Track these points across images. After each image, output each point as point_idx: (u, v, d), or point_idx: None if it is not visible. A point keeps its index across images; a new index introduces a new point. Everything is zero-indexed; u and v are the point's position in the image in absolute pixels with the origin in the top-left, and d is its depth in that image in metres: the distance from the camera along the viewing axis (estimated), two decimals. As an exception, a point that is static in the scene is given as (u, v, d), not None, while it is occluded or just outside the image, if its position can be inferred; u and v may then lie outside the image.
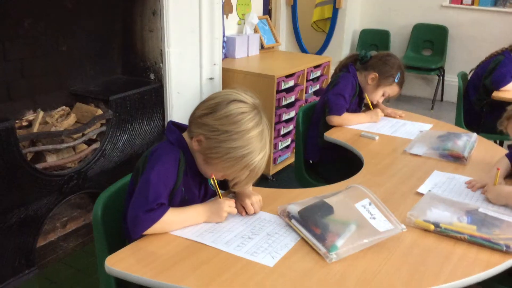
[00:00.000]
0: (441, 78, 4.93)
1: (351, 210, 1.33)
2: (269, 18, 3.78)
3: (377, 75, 2.25)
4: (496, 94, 2.83)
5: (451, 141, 1.96)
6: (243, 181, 1.32)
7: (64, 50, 2.48)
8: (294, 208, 1.37)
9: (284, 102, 3.09)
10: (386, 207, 1.33)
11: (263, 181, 3.15)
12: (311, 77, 3.38)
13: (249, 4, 3.55)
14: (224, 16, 3.33)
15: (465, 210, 1.41)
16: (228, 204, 1.35)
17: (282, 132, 3.18)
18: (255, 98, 1.32)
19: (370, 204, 1.34)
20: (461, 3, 4.81)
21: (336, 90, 2.24)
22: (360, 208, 1.33)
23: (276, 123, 3.06)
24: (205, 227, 1.31)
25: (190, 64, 2.76)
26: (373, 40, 5.24)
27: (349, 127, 2.22)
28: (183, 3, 2.63)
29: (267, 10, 4.06)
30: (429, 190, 1.57)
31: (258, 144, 1.27)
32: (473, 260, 1.22)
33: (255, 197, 1.43)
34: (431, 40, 4.99)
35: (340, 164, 2.28)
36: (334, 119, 2.21)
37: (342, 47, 5.22)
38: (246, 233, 1.29)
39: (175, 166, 1.29)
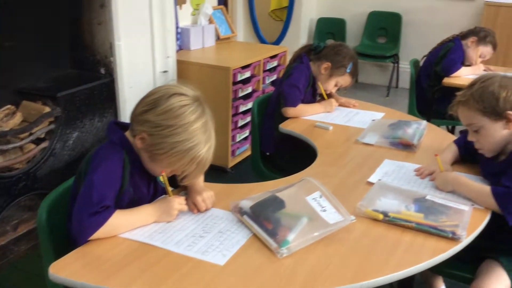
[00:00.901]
0: (396, 65, 5.02)
1: (303, 203, 1.33)
2: (224, 8, 3.73)
3: (330, 64, 2.26)
4: (447, 81, 2.90)
5: (401, 129, 2.00)
6: (191, 174, 1.30)
7: (6, 46, 2.37)
8: (246, 204, 1.36)
9: (241, 94, 3.08)
10: (336, 199, 1.35)
11: (222, 173, 3.13)
12: (267, 68, 3.37)
13: (202, -6, 3.49)
14: (178, 7, 3.27)
15: (413, 198, 1.44)
16: (178, 202, 1.33)
17: (240, 124, 3.17)
18: (196, 90, 1.31)
19: (321, 196, 1.35)
20: (413, -9, 4.90)
21: (290, 82, 2.24)
22: (311, 201, 1.34)
23: (233, 115, 3.04)
24: (155, 227, 1.29)
25: (142, 57, 2.70)
26: (330, 29, 5.27)
27: (304, 118, 2.23)
28: (132, -6, 2.56)
29: (222, 0, 4.01)
30: (379, 179, 1.59)
31: (202, 136, 1.26)
32: (420, 247, 1.25)
33: (207, 193, 1.42)
34: (385, 28, 5.06)
35: (297, 155, 2.28)
36: (289, 111, 2.21)
37: (299, 36, 5.23)
38: (198, 232, 1.27)
39: (120, 167, 1.26)
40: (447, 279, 1.92)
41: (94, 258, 1.16)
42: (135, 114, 1.29)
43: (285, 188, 1.42)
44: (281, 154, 2.35)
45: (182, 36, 3.29)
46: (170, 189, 1.35)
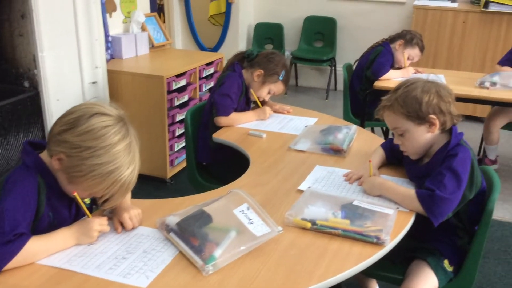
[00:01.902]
0: (333, 68, 5.13)
1: (230, 216, 1.31)
2: (157, 15, 3.66)
3: (263, 72, 2.27)
4: (377, 84, 2.99)
5: (332, 134, 2.03)
6: (113, 198, 1.25)
7: None
8: (173, 220, 1.32)
9: (177, 102, 3.02)
10: (264, 210, 1.34)
11: (161, 184, 3.06)
12: (204, 75, 3.34)
13: (133, 1, 3.41)
14: (107, 15, 3.17)
15: (341, 204, 1.46)
16: (99, 223, 1.27)
17: (177, 133, 3.11)
18: (120, 109, 1.26)
19: (248, 208, 1.34)
20: (347, -5, 5.03)
21: (222, 91, 2.22)
22: (239, 214, 1.32)
23: (170, 125, 2.98)
24: (75, 251, 1.22)
25: (68, 69, 2.58)
26: (268, 34, 5.32)
27: (238, 127, 2.22)
28: (55, 4, 2.45)
29: (155, 7, 3.94)
30: (309, 187, 1.60)
31: (126, 158, 1.21)
32: (346, 254, 1.26)
33: (134, 211, 1.37)
34: (321, 32, 5.16)
35: (234, 163, 2.26)
36: (222, 120, 2.19)
37: (238, 41, 5.24)
38: (121, 253, 1.22)
39: (34, 191, 1.19)
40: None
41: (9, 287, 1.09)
42: (52, 134, 1.22)
43: (212, 201, 1.39)
44: (218, 163, 2.33)
45: (113, 45, 3.19)
46: (86, 209, 1.29)
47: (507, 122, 3.18)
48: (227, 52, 5.19)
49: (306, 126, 2.21)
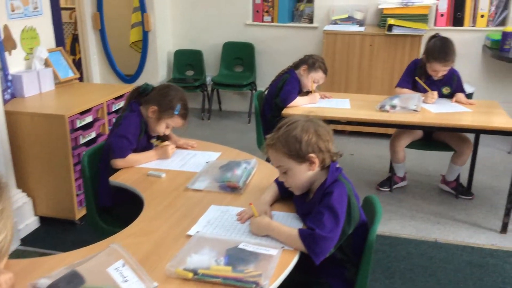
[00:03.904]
0: (254, 92, 5.19)
1: (104, 275, 1.27)
2: (63, 50, 3.55)
3: (157, 108, 2.24)
4: (285, 111, 3.04)
5: (231, 171, 2.03)
6: None
7: None
8: (44, 283, 1.26)
9: (82, 140, 2.92)
10: (139, 266, 1.31)
11: (70, 226, 2.93)
12: (113, 109, 3.26)
13: (36, 37, 3.28)
14: (6, 53, 3.03)
15: (226, 248, 1.45)
16: None
17: (86, 172, 3.00)
18: None
19: (124, 265, 1.30)
20: (262, 21, 5.14)
21: (118, 132, 2.17)
22: (113, 272, 1.28)
23: (75, 164, 2.87)
24: None
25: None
26: (188, 60, 5.31)
27: (138, 167, 2.17)
28: None
29: (62, 41, 3.82)
30: (197, 232, 1.59)
31: None
32: (225, 304, 1.26)
33: (4, 276, 1.29)
34: (241, 57, 5.23)
35: (135, 206, 2.21)
36: (118, 163, 2.14)
37: (157, 68, 5.20)
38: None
39: None
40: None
41: None
42: None
43: (88, 259, 1.34)
44: (120, 206, 2.26)
45: (14, 84, 3.05)
46: None
47: (411, 141, 3.35)
48: (147, 79, 5.13)
49: (207, 162, 2.20)
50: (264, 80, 5.10)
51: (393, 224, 3.03)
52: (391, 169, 3.52)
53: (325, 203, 1.50)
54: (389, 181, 3.50)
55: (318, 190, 1.59)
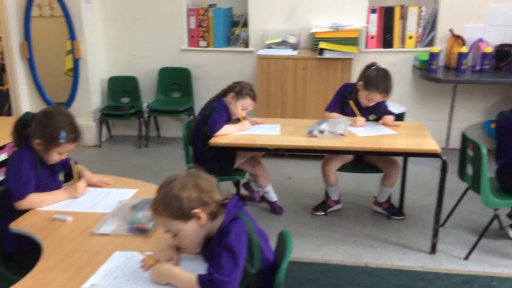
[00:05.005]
0: (192, 117, 5.10)
1: None
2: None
3: (41, 141, 2.05)
4: (213, 140, 2.98)
5: (142, 211, 1.92)
6: None
7: None
8: None
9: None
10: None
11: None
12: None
13: None
14: None
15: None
16: None
17: None
18: None
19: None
20: (198, 46, 5.09)
21: (11, 172, 2.02)
22: None
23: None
24: None
25: None
26: (123, 87, 5.18)
27: (43, 210, 2.03)
28: None
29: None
30: (92, 285, 1.47)
31: None
32: None
33: None
34: (177, 83, 5.14)
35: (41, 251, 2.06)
36: (20, 204, 1.99)
37: (90, 96, 5.04)
38: None
39: None
40: None
41: None
42: None
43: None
44: (26, 252, 2.08)
45: None
46: None
47: (342, 164, 3.35)
48: (81, 107, 4.98)
49: (120, 201, 2.09)
50: (201, 105, 4.98)
51: (325, 250, 2.99)
52: (326, 193, 3.51)
53: (223, 244, 1.43)
54: (324, 204, 3.48)
55: (217, 232, 1.52)
